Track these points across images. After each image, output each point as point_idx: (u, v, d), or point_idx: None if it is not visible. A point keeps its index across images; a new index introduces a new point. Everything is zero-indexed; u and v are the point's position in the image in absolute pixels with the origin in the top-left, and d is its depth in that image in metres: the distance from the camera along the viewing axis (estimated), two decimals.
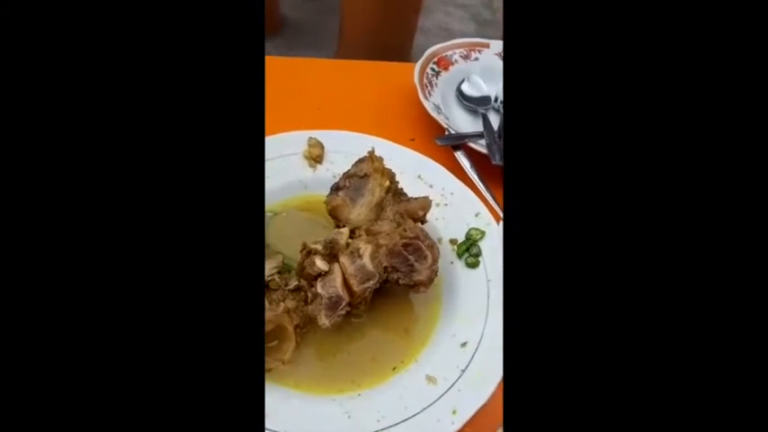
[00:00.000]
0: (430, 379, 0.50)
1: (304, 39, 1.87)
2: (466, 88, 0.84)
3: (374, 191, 0.55)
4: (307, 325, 0.53)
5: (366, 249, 0.51)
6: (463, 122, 0.81)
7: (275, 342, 0.51)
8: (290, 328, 0.51)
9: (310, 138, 0.67)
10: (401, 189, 0.58)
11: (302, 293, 0.53)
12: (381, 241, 0.51)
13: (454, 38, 0.89)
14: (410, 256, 0.51)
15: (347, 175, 0.57)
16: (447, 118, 0.77)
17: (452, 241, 0.62)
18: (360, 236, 0.53)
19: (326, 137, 0.68)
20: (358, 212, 0.55)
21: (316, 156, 0.67)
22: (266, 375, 0.50)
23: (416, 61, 0.83)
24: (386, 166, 0.58)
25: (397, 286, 0.53)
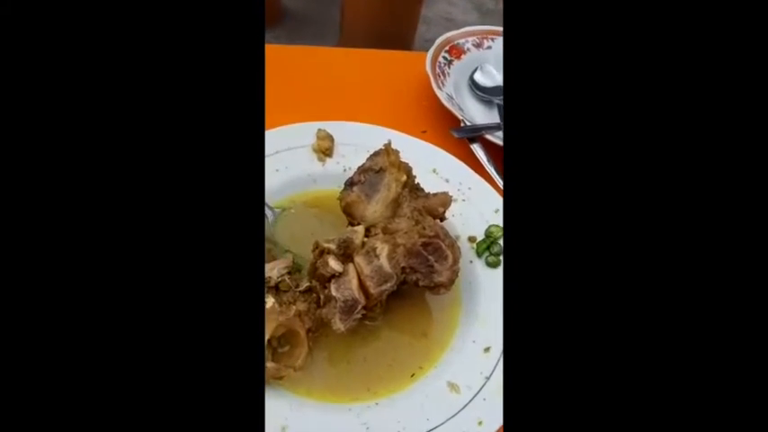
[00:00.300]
0: (452, 386, 0.47)
1: (305, 29, 1.83)
2: (479, 77, 0.80)
3: (390, 186, 0.52)
4: (319, 329, 0.50)
5: (383, 249, 0.48)
6: (476, 113, 0.78)
7: (287, 347, 0.48)
8: (303, 333, 0.48)
9: (319, 129, 0.64)
10: (418, 184, 0.55)
11: (314, 295, 0.50)
12: (399, 240, 0.48)
13: (457, 28, 0.85)
14: (430, 257, 0.48)
15: (362, 170, 0.53)
16: (461, 109, 0.74)
17: (471, 239, 0.58)
18: (376, 234, 0.50)
19: (336, 128, 0.64)
20: (374, 209, 0.52)
21: (325, 148, 0.63)
22: (278, 383, 0.46)
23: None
24: (402, 160, 0.54)
25: (413, 287, 0.50)
